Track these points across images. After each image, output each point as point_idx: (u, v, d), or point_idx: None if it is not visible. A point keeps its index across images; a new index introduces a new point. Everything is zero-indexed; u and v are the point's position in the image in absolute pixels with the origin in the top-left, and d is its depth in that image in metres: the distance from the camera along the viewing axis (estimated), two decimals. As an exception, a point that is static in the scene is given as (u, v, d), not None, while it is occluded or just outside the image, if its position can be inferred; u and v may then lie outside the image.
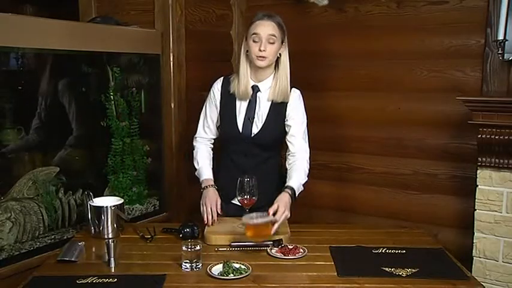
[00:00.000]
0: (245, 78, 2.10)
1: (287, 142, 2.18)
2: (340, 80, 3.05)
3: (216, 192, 2.11)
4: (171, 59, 2.80)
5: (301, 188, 2.09)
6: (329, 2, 2.97)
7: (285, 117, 2.15)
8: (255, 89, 2.13)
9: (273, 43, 2.04)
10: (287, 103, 2.14)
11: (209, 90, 2.23)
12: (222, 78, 2.21)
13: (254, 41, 2.04)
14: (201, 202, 2.09)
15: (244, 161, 2.16)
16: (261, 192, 1.99)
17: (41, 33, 2.20)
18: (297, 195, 2.05)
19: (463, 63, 2.67)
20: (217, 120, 2.22)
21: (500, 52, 2.41)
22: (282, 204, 1.92)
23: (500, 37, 2.35)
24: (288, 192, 2.00)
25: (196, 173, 2.23)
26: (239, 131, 2.13)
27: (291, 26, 3.13)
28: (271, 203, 1.94)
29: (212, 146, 2.30)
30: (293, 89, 2.17)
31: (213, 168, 2.24)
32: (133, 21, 2.81)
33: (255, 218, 1.85)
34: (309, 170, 2.15)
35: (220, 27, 3.22)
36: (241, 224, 2.00)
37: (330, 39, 3.05)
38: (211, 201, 2.05)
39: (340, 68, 3.04)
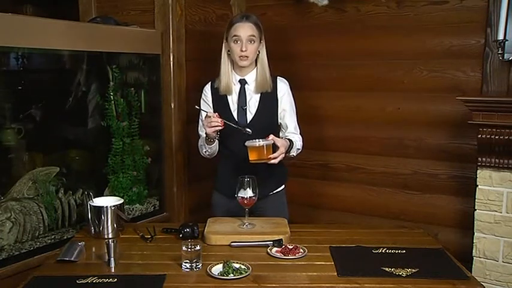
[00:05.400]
0: (227, 75, 2.24)
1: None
2: (340, 80, 3.05)
3: None
4: (171, 59, 2.80)
5: (295, 151, 2.23)
6: (329, 2, 2.97)
7: (277, 105, 2.27)
8: (243, 82, 2.26)
9: (253, 43, 2.17)
10: (277, 93, 2.27)
11: (200, 94, 2.34)
12: (210, 81, 2.33)
13: (235, 42, 2.18)
14: (205, 126, 2.11)
15: (244, 150, 2.15)
16: (267, 177, 2.18)
17: (41, 33, 2.20)
18: (291, 151, 2.19)
19: (463, 63, 2.67)
20: None
21: (500, 52, 2.41)
22: (283, 148, 2.08)
23: (500, 37, 2.36)
24: (288, 141, 2.16)
25: (207, 147, 2.24)
26: (235, 121, 2.21)
27: (291, 26, 3.17)
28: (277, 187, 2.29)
29: None
30: (282, 78, 2.31)
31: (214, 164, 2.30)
32: (133, 21, 2.81)
33: (257, 142, 2.03)
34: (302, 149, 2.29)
35: (220, 27, 3.20)
36: (241, 222, 2.02)
37: (330, 39, 3.05)
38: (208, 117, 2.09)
39: (340, 68, 3.04)
